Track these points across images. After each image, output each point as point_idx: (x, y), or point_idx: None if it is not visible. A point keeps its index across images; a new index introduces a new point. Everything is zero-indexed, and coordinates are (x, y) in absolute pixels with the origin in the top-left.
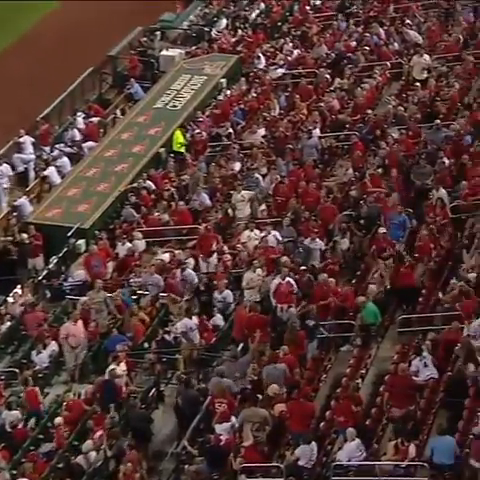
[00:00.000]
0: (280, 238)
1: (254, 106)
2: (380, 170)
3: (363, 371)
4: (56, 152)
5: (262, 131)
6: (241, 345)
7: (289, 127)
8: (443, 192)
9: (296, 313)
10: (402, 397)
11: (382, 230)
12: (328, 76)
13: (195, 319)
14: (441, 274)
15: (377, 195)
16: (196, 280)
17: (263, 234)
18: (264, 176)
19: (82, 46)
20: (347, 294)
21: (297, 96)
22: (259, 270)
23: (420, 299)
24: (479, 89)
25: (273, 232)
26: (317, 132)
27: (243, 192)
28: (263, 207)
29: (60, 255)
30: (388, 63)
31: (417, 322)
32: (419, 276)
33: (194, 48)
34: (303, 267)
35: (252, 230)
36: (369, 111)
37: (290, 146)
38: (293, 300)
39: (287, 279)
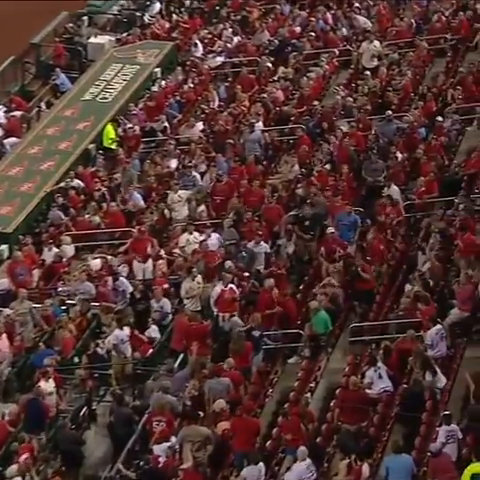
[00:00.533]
0: (221, 241)
1: (191, 98)
2: (328, 166)
3: (312, 384)
4: None
5: (200, 125)
6: (180, 358)
7: (229, 120)
8: (394, 189)
9: (243, 324)
10: (354, 412)
11: (330, 230)
12: (271, 65)
13: (127, 330)
14: (395, 278)
15: (324, 194)
16: (130, 288)
17: (203, 237)
18: (203, 174)
19: (1, 33)
20: (289, 303)
21: (238, 87)
22: (199, 278)
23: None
24: (434, 77)
25: (213, 235)
26: (260, 125)
27: (180, 192)
28: (202, 208)
29: None
30: (336, 50)
31: (370, 331)
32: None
33: (125, 35)
34: (247, 273)
35: (191, 233)
36: (316, 102)
37: (231, 141)
38: (236, 308)
39: (230, 286)
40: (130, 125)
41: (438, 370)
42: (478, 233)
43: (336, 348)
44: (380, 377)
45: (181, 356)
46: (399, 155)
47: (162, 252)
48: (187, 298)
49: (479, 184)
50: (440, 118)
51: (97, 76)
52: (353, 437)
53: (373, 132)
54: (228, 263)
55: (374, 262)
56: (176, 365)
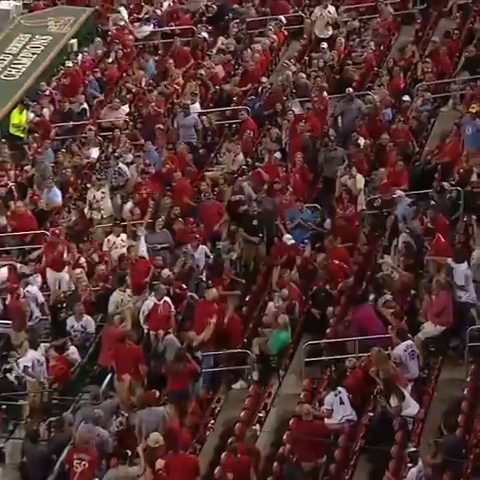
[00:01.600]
0: (152, 245)
1: (114, 75)
2: (278, 155)
3: (261, 414)
4: None
5: (125, 107)
6: (106, 381)
7: (160, 101)
8: (359, 179)
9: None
10: (311, 447)
11: (288, 237)
12: (208, 35)
13: (41, 350)
14: (359, 287)
15: (273, 188)
16: (42, 299)
17: (130, 241)
18: (130, 165)
19: None
20: (233, 318)
21: (170, 61)
22: (129, 290)
23: (331, 320)
24: (401, 49)
25: (143, 238)
26: (196, 107)
27: (104, 187)
28: (130, 205)
29: None
30: (283, 17)
31: (329, 349)
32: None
33: None
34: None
35: (118, 235)
36: (263, 79)
37: (161, 126)
38: (172, 325)
39: (165, 299)
40: (42, 108)
41: (407, 394)
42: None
43: (289, 371)
44: (341, 403)
45: (108, 378)
46: (361, 141)
47: (82, 259)
48: (117, 313)
49: (455, 175)
50: (407, 97)
51: (1, 49)
52: (309, 477)
53: (330, 114)
54: (165, 271)
55: (335, 283)
56: (101, 390)
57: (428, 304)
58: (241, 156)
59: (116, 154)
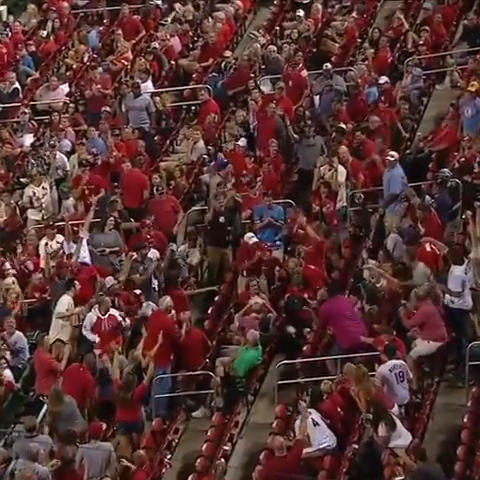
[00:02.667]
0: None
1: (51, 49)
2: (244, 143)
3: (227, 447)
4: None
5: (65, 87)
6: (43, 412)
7: (106, 80)
8: (341, 171)
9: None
10: None
11: (249, 236)
12: (162, 1)
13: None
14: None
15: (240, 181)
16: None
17: (70, 244)
18: (70, 154)
19: None
20: (193, 333)
21: (117, 32)
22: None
23: (308, 336)
24: (388, 17)
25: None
26: (149, 87)
27: (39, 180)
28: (70, 201)
29: None
30: None
31: (306, 370)
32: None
33: None
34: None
35: (52, 238)
36: (227, 54)
37: (107, 109)
38: (119, 343)
39: (110, 312)
40: None
41: (398, 422)
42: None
43: (260, 395)
44: (315, 424)
45: (45, 407)
46: (342, 126)
47: (8, 266)
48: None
49: (454, 164)
50: (384, 78)
51: None
52: None
53: (306, 94)
54: (108, 280)
55: (310, 292)
56: (38, 421)
57: (405, 315)
58: (201, 143)
59: (52, 142)
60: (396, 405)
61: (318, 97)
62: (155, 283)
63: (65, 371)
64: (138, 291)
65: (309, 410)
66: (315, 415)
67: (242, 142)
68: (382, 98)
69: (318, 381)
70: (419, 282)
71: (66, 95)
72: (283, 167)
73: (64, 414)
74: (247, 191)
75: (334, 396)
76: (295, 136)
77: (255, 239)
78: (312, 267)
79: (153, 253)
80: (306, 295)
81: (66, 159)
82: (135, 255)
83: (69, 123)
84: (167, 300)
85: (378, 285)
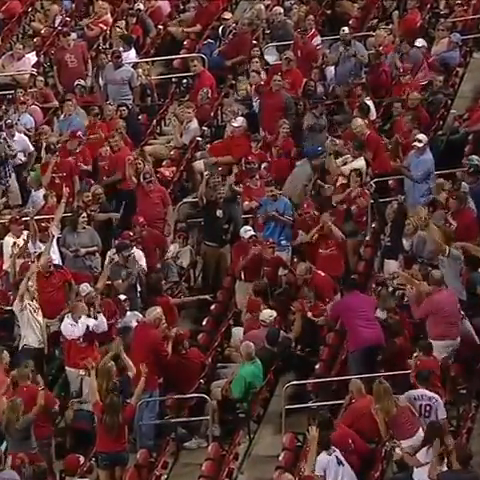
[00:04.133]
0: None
1: (15, 10)
2: (240, 122)
3: None
4: None
5: (32, 56)
6: (3, 447)
7: (81, 47)
8: (362, 163)
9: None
10: None
11: (246, 229)
12: None
13: None
14: None
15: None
16: None
17: (37, 243)
18: (30, 138)
19: None
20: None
21: None
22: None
23: (320, 352)
24: None
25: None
26: (132, 56)
27: None
28: (42, 192)
29: None
30: None
31: (319, 391)
32: None
33: None
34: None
35: (19, 235)
36: (225, 16)
37: (82, 82)
38: (96, 357)
39: (85, 321)
40: None
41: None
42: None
43: (265, 422)
44: (340, 463)
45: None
46: (367, 103)
47: None
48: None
49: None
50: (421, 42)
51: None
52: None
53: (319, 64)
54: (84, 288)
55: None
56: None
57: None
58: (195, 124)
59: (9, 121)
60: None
61: (333, 68)
62: (139, 289)
63: (23, 390)
64: (123, 296)
65: (333, 447)
66: (338, 452)
67: (237, 122)
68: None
69: (334, 405)
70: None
71: (33, 66)
72: (293, 151)
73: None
74: (248, 181)
75: (339, 425)
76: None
77: (252, 232)
78: (322, 274)
79: (137, 254)
80: (310, 313)
81: (28, 140)
82: (116, 257)
83: (37, 99)
84: (156, 312)
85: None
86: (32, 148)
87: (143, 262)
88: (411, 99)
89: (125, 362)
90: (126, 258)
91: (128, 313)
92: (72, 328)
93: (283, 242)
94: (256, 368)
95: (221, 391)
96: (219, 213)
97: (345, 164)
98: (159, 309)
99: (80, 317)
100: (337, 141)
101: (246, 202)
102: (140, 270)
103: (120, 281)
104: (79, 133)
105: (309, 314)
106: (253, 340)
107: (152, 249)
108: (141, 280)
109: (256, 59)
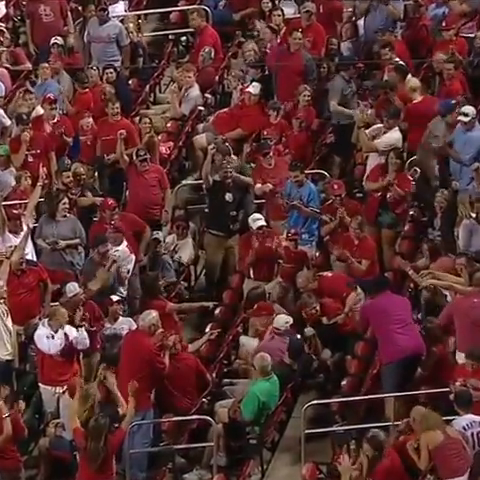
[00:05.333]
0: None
1: None
2: (254, 89)
3: None
4: None
5: (1, 5)
6: None
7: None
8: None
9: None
10: None
11: (255, 218)
12: None
13: None
14: None
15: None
16: None
17: (7, 236)
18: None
19: None
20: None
21: None
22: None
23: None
24: None
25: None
26: (120, 9)
27: None
28: (11, 172)
29: None
30: None
31: (346, 413)
32: None
33: None
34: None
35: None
36: None
37: (59, 40)
38: (76, 373)
39: (65, 330)
40: None
41: None
42: None
43: (280, 450)
44: None
45: None
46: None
47: None
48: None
49: None
50: None
51: None
52: None
53: (347, 18)
54: (71, 287)
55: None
56: None
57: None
58: (196, 90)
59: None
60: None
61: (363, 21)
62: (122, 292)
63: None
64: (115, 297)
65: None
66: None
67: (255, 88)
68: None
69: (365, 430)
70: None
71: (0, 20)
72: (316, 124)
73: None
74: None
75: (392, 454)
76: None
77: (262, 222)
78: (329, 275)
79: (123, 252)
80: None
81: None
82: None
83: (6, 58)
84: (152, 316)
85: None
86: (8, 121)
87: (131, 262)
88: (436, 61)
89: (114, 396)
90: (103, 255)
91: (120, 319)
92: (48, 343)
93: (305, 236)
94: (272, 385)
95: (228, 412)
96: (228, 197)
97: (375, 138)
98: (155, 313)
99: (59, 327)
100: (369, 110)
101: (258, 185)
102: (125, 270)
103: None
104: (51, 95)
105: (324, 319)
106: (269, 351)
107: (129, 237)
108: (121, 280)
109: (274, 12)
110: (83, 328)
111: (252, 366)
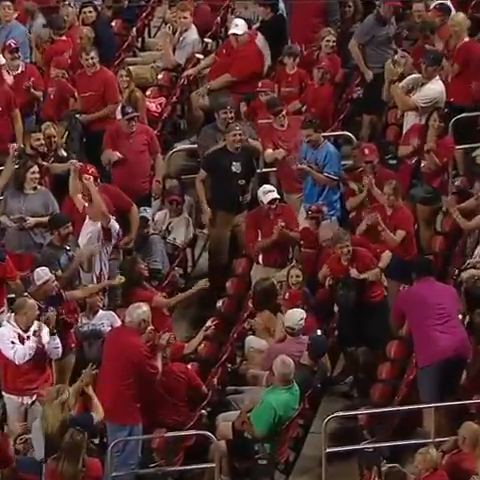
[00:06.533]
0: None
1: None
2: (239, 31)
3: None
4: None
5: None
6: None
7: None
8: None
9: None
10: None
11: (266, 190)
12: None
13: None
14: None
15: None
16: None
17: None
18: None
19: None
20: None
21: None
22: None
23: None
24: None
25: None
26: None
27: None
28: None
29: None
30: None
31: (369, 425)
32: None
33: None
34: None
35: None
36: None
37: None
38: (48, 380)
39: (34, 327)
40: None
41: None
42: None
43: (296, 471)
44: None
45: None
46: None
47: None
48: None
49: None
50: None
51: None
52: None
53: None
54: (40, 273)
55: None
56: None
57: None
58: (193, 34)
59: None
60: None
61: None
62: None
63: None
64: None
65: None
66: None
67: (238, 27)
68: None
69: (399, 448)
70: None
71: None
72: (341, 75)
73: None
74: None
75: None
76: None
77: (275, 194)
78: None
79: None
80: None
81: None
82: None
83: None
84: (142, 310)
85: None
86: None
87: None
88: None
89: (91, 400)
90: (64, 237)
91: (100, 312)
92: (13, 349)
93: (325, 208)
94: (291, 397)
95: (233, 425)
96: (235, 166)
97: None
98: (146, 307)
99: (30, 325)
100: (403, 60)
101: (269, 150)
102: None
103: (59, 271)
104: (11, 42)
105: (352, 272)
106: (285, 352)
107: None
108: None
109: None
110: (56, 336)
111: (261, 369)
